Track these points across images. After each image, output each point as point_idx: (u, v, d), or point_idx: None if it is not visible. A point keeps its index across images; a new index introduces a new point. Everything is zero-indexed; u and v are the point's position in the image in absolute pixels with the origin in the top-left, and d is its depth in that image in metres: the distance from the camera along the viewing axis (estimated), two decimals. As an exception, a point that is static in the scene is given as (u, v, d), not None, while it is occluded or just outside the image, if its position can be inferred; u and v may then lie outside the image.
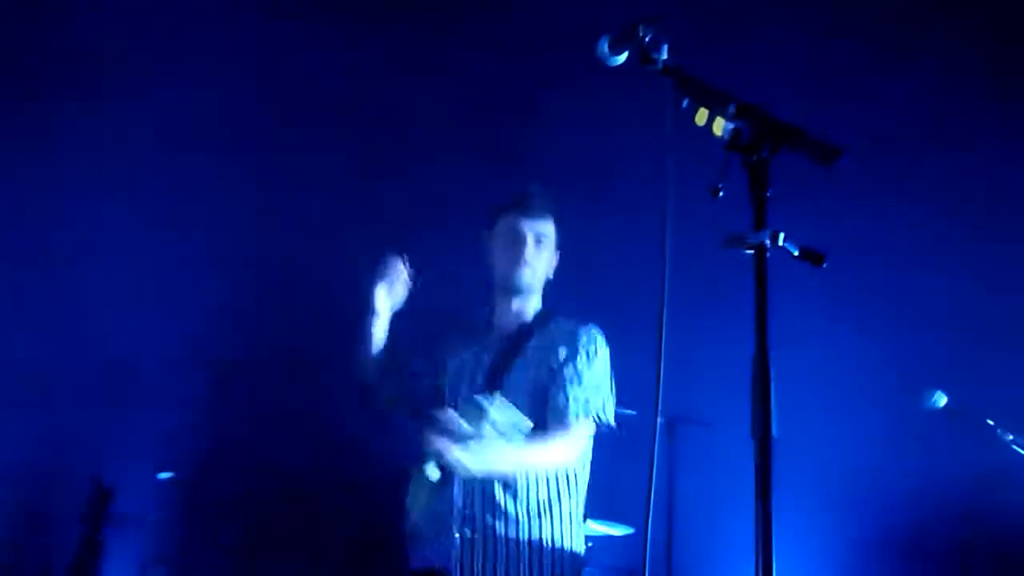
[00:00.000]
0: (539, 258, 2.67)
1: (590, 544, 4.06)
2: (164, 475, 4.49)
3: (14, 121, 5.34)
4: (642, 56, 1.59)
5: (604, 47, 1.66)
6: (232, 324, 5.35)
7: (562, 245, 2.77)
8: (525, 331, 2.67)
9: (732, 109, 1.40)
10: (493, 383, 2.55)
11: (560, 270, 2.78)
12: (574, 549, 2.53)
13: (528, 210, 2.67)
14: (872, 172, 4.15)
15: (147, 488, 4.50)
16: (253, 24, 5.38)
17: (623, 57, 1.64)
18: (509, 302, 2.71)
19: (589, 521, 3.99)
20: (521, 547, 2.43)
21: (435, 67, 5.43)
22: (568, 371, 2.56)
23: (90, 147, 5.34)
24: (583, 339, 2.61)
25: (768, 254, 1.34)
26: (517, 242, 2.65)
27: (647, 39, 1.58)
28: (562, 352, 2.59)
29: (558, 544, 2.48)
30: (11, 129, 5.32)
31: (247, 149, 5.55)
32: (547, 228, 2.68)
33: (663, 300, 1.72)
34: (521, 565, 2.42)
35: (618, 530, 4.28)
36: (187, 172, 5.42)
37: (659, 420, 1.68)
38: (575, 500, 2.58)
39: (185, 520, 4.35)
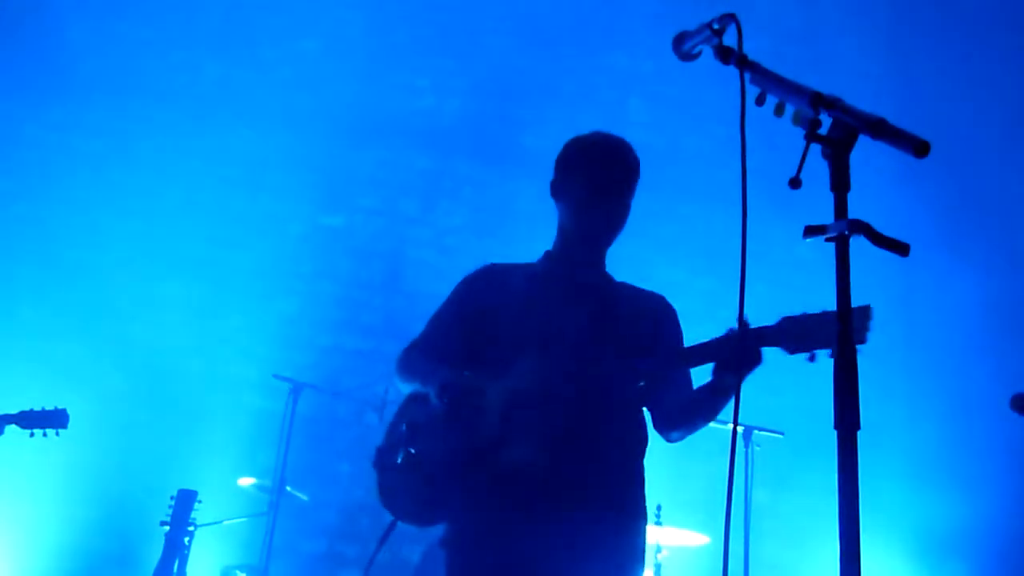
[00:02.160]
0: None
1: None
2: (245, 481, 4.57)
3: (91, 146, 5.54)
4: (718, 50, 1.59)
5: (680, 42, 1.69)
6: (307, 339, 5.46)
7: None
8: (607, 287, 2.38)
9: (810, 100, 1.39)
10: (599, 340, 2.26)
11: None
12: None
13: (634, 166, 2.31)
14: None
15: (230, 494, 4.59)
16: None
17: (699, 52, 1.65)
18: (585, 254, 2.37)
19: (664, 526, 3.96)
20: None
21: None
22: (671, 342, 2.34)
23: (167, 172, 5.53)
24: (674, 312, 2.41)
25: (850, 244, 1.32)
26: (622, 199, 2.31)
27: (724, 33, 1.58)
28: (660, 321, 2.36)
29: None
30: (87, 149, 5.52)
31: (306, 168, 5.69)
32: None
33: (741, 303, 1.71)
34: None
35: (695, 539, 4.23)
36: (251, 194, 5.56)
37: (737, 429, 1.64)
38: None
39: (267, 526, 4.41)
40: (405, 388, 2.38)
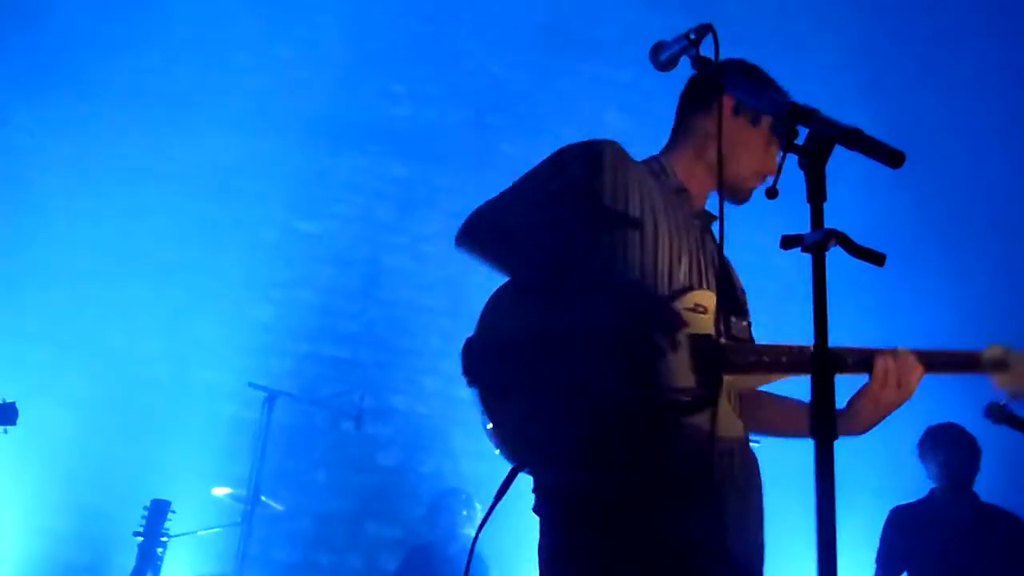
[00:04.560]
0: None
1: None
2: (220, 491, 4.53)
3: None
4: (695, 60, 1.60)
5: (658, 51, 1.69)
6: (283, 346, 5.42)
7: None
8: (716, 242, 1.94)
9: (787, 111, 1.40)
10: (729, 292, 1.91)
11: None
12: None
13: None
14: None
15: (204, 504, 4.55)
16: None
17: (676, 61, 1.66)
18: (709, 192, 1.99)
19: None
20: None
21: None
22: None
23: (143, 180, 5.48)
24: None
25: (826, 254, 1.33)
26: (774, 152, 1.90)
27: (700, 43, 1.59)
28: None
29: None
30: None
31: (281, 174, 5.66)
32: None
33: (720, 313, 1.71)
34: None
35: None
36: (226, 199, 5.53)
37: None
38: None
39: (241, 536, 4.37)
40: (497, 260, 1.81)
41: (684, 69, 1.72)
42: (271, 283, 5.52)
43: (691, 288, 1.76)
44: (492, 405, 1.64)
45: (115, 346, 5.18)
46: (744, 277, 2.05)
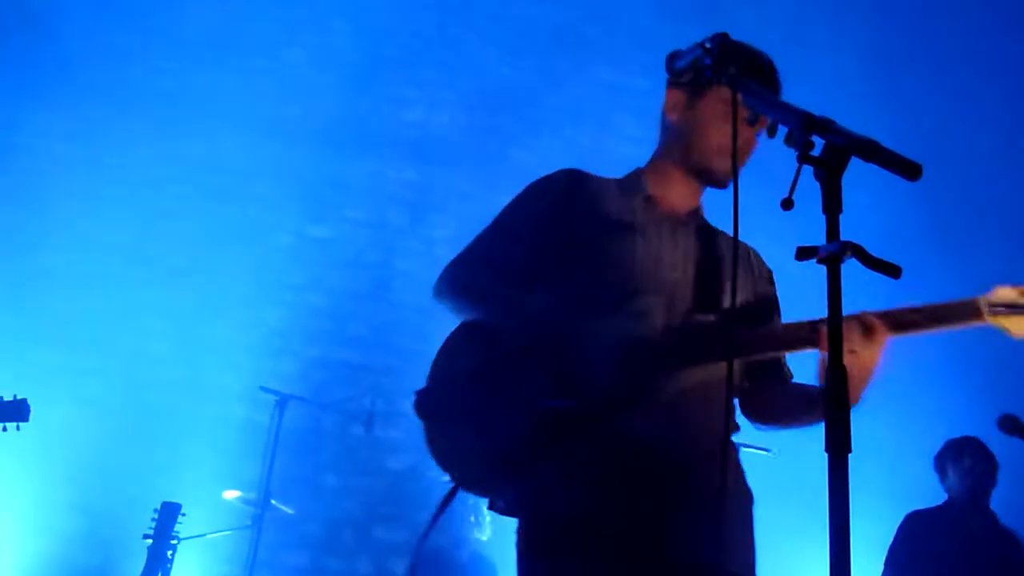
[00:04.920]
0: None
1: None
2: (230, 494, 4.54)
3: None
4: (711, 69, 1.59)
5: (673, 60, 1.69)
6: (294, 350, 5.43)
7: None
8: (715, 235, 1.96)
9: (802, 121, 1.39)
10: (715, 299, 1.87)
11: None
12: None
13: (775, 87, 1.87)
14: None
15: (214, 507, 4.55)
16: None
17: (691, 70, 1.65)
18: (693, 189, 1.98)
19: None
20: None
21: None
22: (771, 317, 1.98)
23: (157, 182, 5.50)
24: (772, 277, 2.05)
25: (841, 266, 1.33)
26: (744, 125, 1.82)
27: (716, 53, 1.59)
28: (768, 280, 2.03)
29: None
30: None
31: (294, 178, 5.67)
32: None
33: (731, 315, 1.71)
34: None
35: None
36: (238, 203, 5.54)
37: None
38: None
39: (251, 540, 4.38)
40: (462, 313, 1.93)
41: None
42: (283, 286, 5.53)
43: (640, 293, 1.77)
44: (434, 434, 1.80)
45: (127, 348, 5.19)
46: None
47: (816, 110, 1.42)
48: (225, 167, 5.61)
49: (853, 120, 1.38)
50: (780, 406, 1.97)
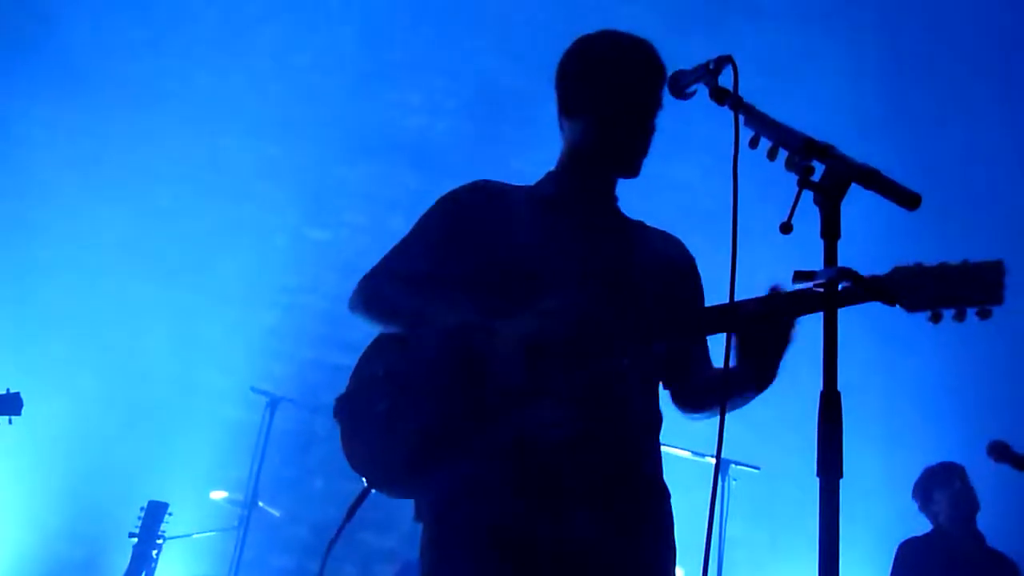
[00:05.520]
0: None
1: None
2: (217, 495, 4.53)
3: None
4: (713, 91, 1.60)
5: (676, 80, 1.70)
6: (287, 352, 5.43)
7: None
8: (625, 226, 2.01)
9: (803, 146, 1.40)
10: (624, 290, 1.87)
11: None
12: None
13: (666, 74, 1.87)
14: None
15: (201, 506, 4.54)
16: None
17: (694, 91, 1.66)
18: (606, 183, 2.01)
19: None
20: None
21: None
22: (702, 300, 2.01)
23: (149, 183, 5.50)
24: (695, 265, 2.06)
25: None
26: (648, 109, 1.92)
27: (719, 75, 1.59)
28: (685, 274, 2.03)
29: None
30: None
31: (294, 180, 5.67)
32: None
33: (728, 339, 1.71)
34: None
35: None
36: (238, 203, 5.54)
37: (718, 462, 1.58)
38: None
39: (237, 541, 4.36)
40: (375, 325, 1.94)
41: (703, 92, 1.72)
42: (279, 288, 5.52)
43: (545, 291, 1.78)
44: (347, 435, 1.82)
45: (121, 344, 5.19)
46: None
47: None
48: (226, 167, 5.61)
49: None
50: (699, 392, 1.99)
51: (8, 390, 3.85)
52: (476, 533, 1.72)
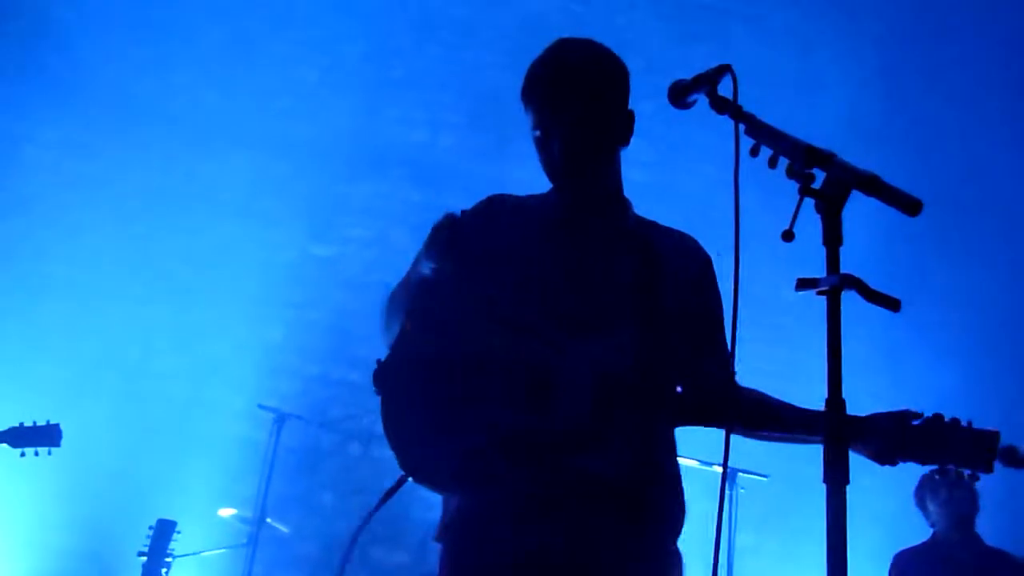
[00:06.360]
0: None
1: None
2: (226, 512, 4.52)
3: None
4: (713, 100, 1.61)
5: (676, 90, 1.71)
6: (294, 368, 5.43)
7: None
8: (647, 231, 1.98)
9: (804, 154, 1.40)
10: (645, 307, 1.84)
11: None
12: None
13: (583, 65, 1.96)
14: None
15: (210, 524, 4.54)
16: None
17: (694, 100, 1.67)
18: (596, 188, 1.99)
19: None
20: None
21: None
22: (718, 310, 1.97)
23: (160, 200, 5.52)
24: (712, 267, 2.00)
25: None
26: (566, 113, 1.92)
27: (719, 83, 1.60)
28: (703, 274, 1.98)
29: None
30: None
31: (299, 197, 5.69)
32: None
33: (733, 341, 1.71)
34: None
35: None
36: (243, 220, 5.55)
37: (726, 470, 1.59)
38: None
39: (246, 558, 4.36)
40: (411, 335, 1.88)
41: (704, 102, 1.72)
42: (285, 304, 5.53)
43: (614, 322, 1.78)
44: (391, 412, 1.76)
45: (129, 363, 5.20)
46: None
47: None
48: (231, 183, 5.63)
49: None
50: (754, 417, 1.94)
51: (48, 421, 3.80)
52: (501, 559, 1.69)
